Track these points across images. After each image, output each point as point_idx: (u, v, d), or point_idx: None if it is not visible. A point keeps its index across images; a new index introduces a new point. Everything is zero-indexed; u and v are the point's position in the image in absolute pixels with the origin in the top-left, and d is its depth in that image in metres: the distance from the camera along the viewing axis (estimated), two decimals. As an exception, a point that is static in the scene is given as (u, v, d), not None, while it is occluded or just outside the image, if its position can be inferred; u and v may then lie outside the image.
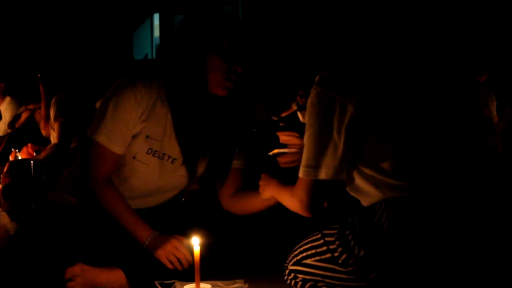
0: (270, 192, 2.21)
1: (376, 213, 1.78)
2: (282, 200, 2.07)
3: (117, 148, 2.26)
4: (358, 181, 1.83)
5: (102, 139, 2.25)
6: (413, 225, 1.74)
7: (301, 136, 5.28)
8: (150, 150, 2.30)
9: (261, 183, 2.27)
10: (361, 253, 1.77)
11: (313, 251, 1.88)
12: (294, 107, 5.86)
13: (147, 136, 2.29)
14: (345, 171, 1.81)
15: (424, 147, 1.79)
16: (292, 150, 5.02)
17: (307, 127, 1.84)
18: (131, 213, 2.28)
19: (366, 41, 1.97)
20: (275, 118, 5.76)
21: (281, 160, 4.47)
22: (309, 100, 1.84)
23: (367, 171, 1.79)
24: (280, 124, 5.63)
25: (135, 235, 2.25)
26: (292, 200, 1.92)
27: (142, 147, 2.30)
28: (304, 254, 1.91)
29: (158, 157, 2.32)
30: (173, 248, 2.20)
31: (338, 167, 1.79)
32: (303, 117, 5.42)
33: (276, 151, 4.95)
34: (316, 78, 1.84)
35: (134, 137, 2.28)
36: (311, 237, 1.92)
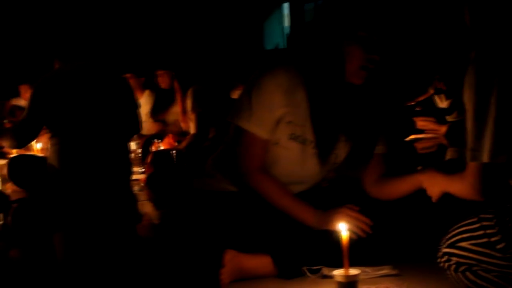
0: (439, 188, 2.12)
1: None
2: (453, 191, 2.02)
3: (266, 134, 2.30)
4: None
5: (251, 126, 2.29)
6: None
7: (438, 121, 5.09)
8: (292, 135, 2.32)
9: (425, 184, 2.18)
10: None
11: (469, 234, 1.82)
12: (431, 91, 5.69)
13: (289, 122, 2.30)
14: (506, 156, 1.73)
15: None
16: (429, 135, 4.87)
17: (467, 108, 1.77)
18: (291, 197, 2.31)
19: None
20: (411, 103, 5.61)
21: (418, 145, 4.36)
22: (466, 80, 1.77)
23: None
24: (417, 109, 5.50)
25: (300, 217, 2.28)
26: (463, 188, 1.86)
27: (285, 133, 2.31)
28: (459, 237, 1.84)
29: (300, 142, 2.33)
30: (348, 217, 2.20)
31: (498, 149, 1.71)
32: (440, 101, 5.26)
33: (413, 136, 4.83)
34: (472, 55, 1.76)
35: (277, 123, 2.30)
36: (467, 220, 1.85)
